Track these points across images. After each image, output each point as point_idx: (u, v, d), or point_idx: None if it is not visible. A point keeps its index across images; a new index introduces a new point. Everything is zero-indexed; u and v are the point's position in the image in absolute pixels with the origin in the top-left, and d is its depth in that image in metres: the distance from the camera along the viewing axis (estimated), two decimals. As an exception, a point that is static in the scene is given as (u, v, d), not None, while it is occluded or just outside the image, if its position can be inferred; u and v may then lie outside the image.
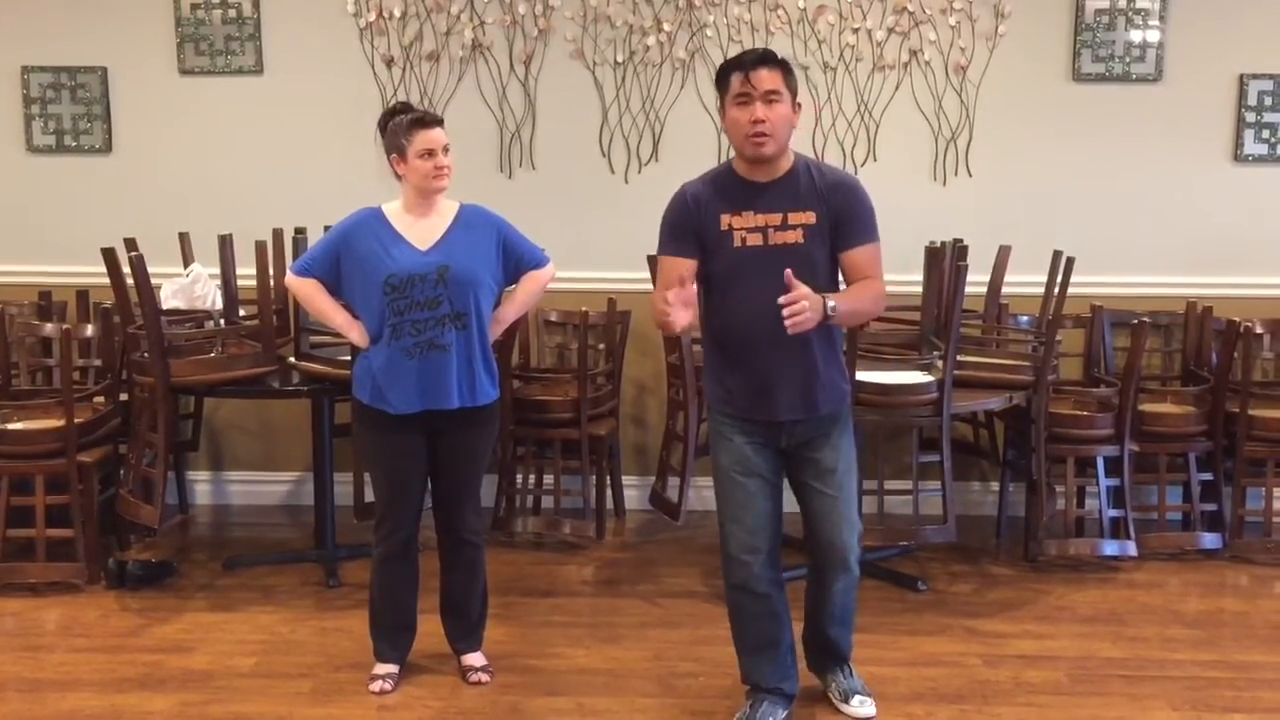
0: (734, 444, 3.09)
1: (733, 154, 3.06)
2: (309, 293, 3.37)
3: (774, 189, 2.97)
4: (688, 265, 2.99)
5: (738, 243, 2.96)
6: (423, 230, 3.31)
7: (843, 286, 3.06)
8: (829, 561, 3.17)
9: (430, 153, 3.26)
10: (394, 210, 3.34)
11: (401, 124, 3.29)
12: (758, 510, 3.09)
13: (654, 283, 3.16)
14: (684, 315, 2.84)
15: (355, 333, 3.35)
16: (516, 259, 3.42)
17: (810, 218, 2.96)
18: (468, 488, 3.43)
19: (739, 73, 2.92)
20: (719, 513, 3.15)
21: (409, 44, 4.97)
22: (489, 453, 3.52)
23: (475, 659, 3.51)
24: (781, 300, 2.75)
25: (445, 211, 3.36)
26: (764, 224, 2.96)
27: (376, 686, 3.41)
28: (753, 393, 3.04)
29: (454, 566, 3.49)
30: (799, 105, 2.99)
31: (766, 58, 2.93)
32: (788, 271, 2.79)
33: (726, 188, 3.01)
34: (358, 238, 3.29)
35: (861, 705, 3.29)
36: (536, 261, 3.45)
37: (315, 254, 3.37)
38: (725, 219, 2.98)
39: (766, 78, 2.90)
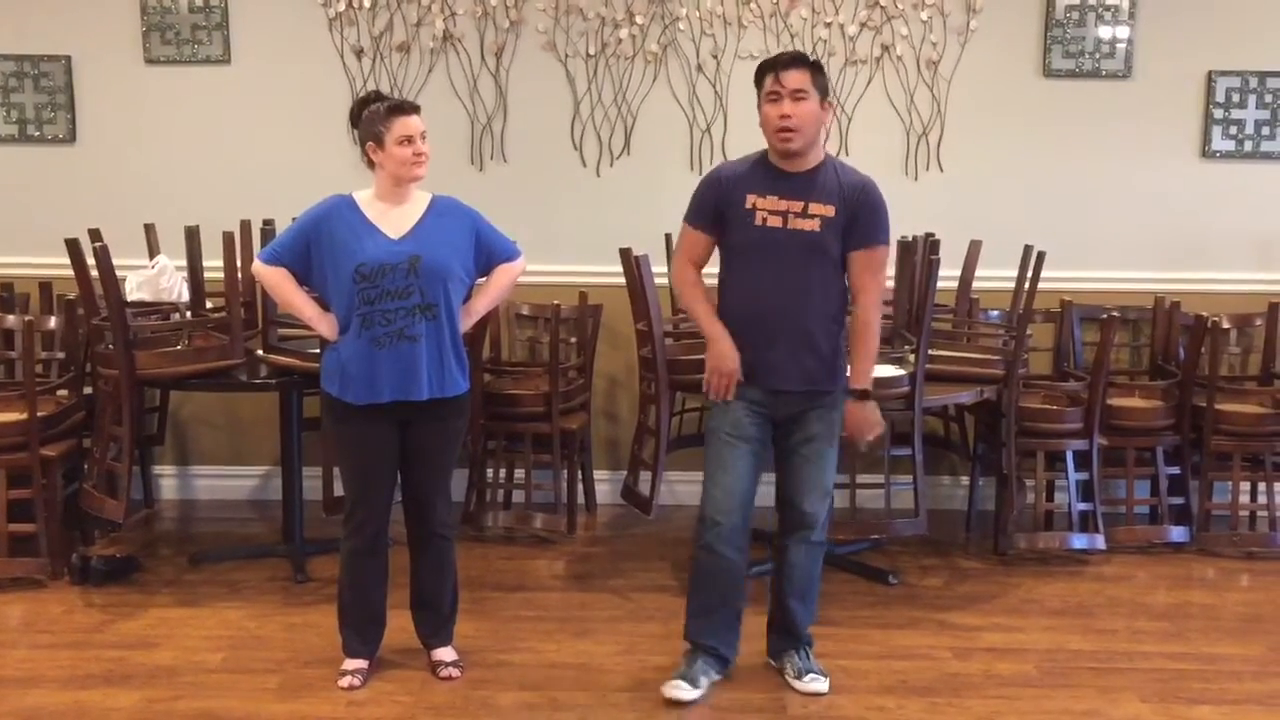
0: (730, 408, 3.28)
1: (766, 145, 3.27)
2: (277, 281, 3.31)
3: (800, 179, 3.20)
4: (706, 242, 3.30)
5: (759, 221, 3.20)
6: (395, 219, 3.27)
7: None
8: (793, 524, 3.36)
9: (409, 139, 3.22)
10: (366, 198, 3.30)
11: (379, 111, 3.25)
12: (738, 473, 3.26)
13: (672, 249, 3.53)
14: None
15: (324, 325, 3.31)
16: (489, 251, 3.39)
17: (830, 210, 3.18)
18: (438, 481, 3.40)
19: (771, 73, 3.17)
20: (704, 477, 3.32)
21: (379, 34, 4.93)
22: (459, 445, 3.49)
23: (446, 654, 3.49)
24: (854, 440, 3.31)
25: (418, 201, 3.33)
26: (786, 209, 3.19)
27: (345, 682, 3.38)
28: (755, 362, 3.24)
29: (424, 560, 3.46)
30: (829, 104, 3.21)
31: (796, 59, 3.17)
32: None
33: (758, 171, 3.25)
34: (328, 225, 3.25)
35: (813, 682, 3.38)
36: (508, 254, 3.44)
37: (284, 241, 3.31)
38: (751, 198, 3.21)
39: (795, 77, 3.12)
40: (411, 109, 3.28)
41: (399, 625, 3.52)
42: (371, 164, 3.29)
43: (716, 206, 3.26)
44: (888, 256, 3.27)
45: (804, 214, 3.17)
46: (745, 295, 3.25)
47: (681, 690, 3.29)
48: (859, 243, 3.20)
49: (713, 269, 3.37)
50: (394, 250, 3.22)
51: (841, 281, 3.27)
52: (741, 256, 3.25)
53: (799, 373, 3.23)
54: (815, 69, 3.17)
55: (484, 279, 3.45)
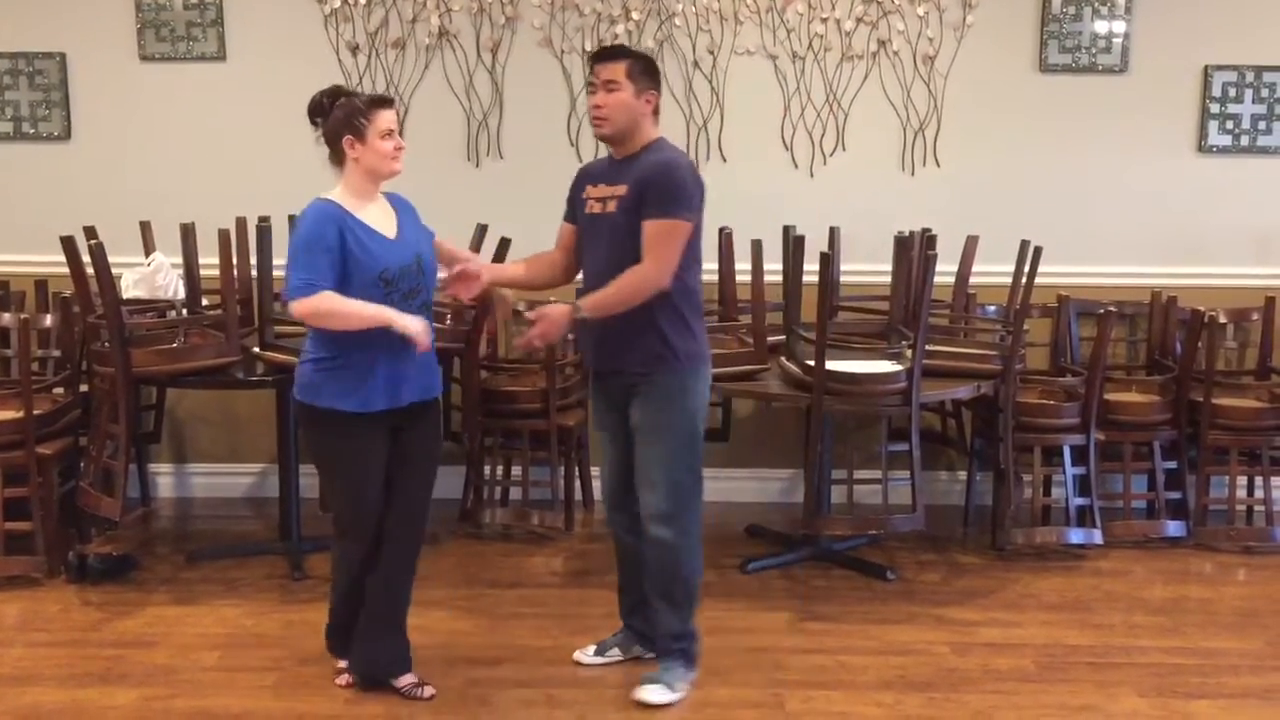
0: (591, 395, 3.50)
1: None
2: (334, 305, 3.03)
3: (621, 165, 3.30)
4: (566, 230, 3.47)
5: (588, 209, 3.35)
6: (380, 218, 3.19)
7: None
8: (641, 516, 3.35)
9: (391, 132, 3.15)
10: (344, 199, 3.16)
11: (358, 104, 3.13)
12: (608, 457, 3.44)
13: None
14: (459, 288, 3.32)
15: (416, 323, 3.09)
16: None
17: (623, 190, 3.25)
18: (432, 481, 3.34)
19: (589, 64, 3.32)
20: None
21: (374, 31, 4.92)
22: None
23: (413, 675, 3.36)
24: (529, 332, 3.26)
25: (382, 198, 3.23)
26: (604, 195, 3.30)
27: (343, 680, 3.36)
28: (583, 343, 3.46)
29: (403, 570, 3.32)
30: (650, 96, 3.26)
31: (607, 52, 3.31)
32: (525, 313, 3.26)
33: (600, 164, 3.43)
34: (343, 231, 3.08)
35: (654, 693, 3.30)
36: None
37: (313, 265, 3.02)
38: (587, 188, 3.37)
39: (606, 69, 3.24)
40: (391, 101, 3.21)
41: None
42: (340, 161, 3.16)
43: (571, 200, 3.44)
44: (671, 232, 3.17)
45: (612, 197, 3.26)
46: (583, 280, 3.39)
47: (583, 654, 3.55)
48: (643, 214, 3.18)
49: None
50: (402, 251, 3.16)
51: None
52: (581, 243, 3.40)
53: (608, 355, 3.30)
54: (634, 61, 3.24)
55: None
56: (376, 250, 3.12)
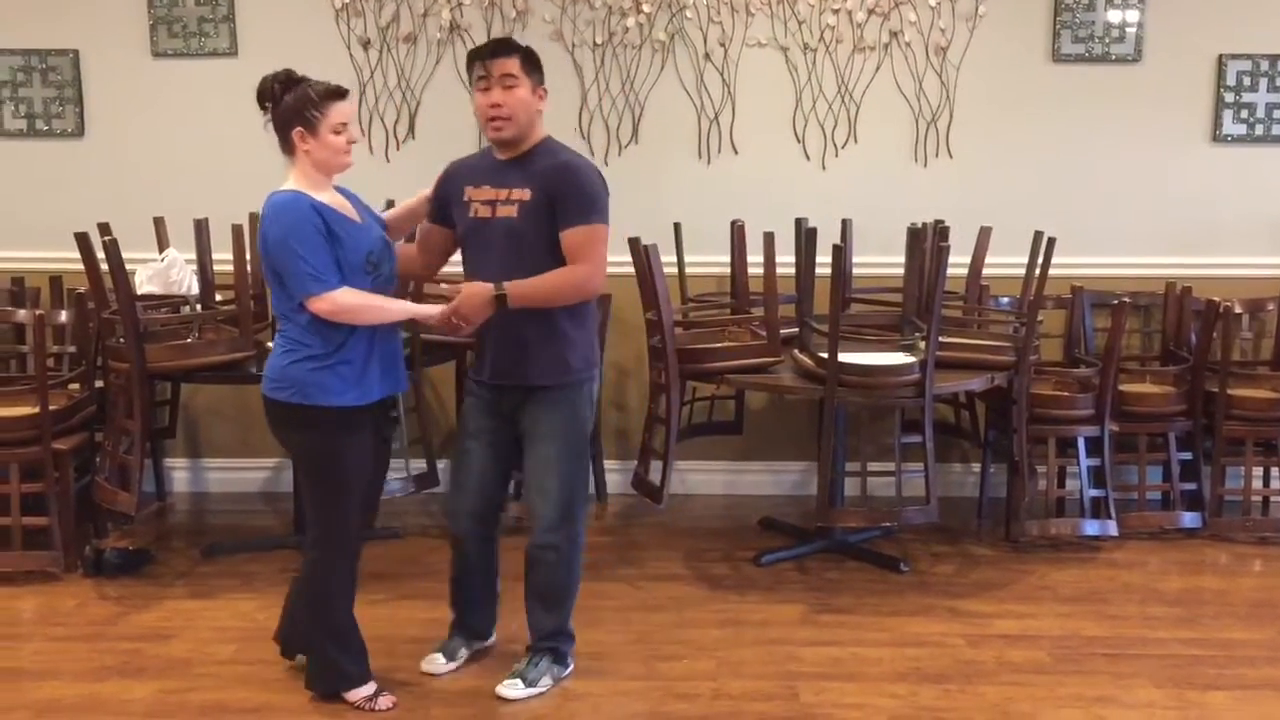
0: (468, 403, 3.34)
1: None
2: (356, 299, 2.97)
3: (510, 166, 3.16)
4: (434, 231, 3.30)
5: (472, 213, 3.18)
6: (340, 205, 3.08)
7: None
8: (533, 523, 3.29)
9: (345, 126, 2.99)
10: (304, 189, 3.02)
11: (311, 95, 2.96)
12: (475, 469, 3.30)
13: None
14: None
15: (427, 309, 3.14)
16: None
17: (525, 195, 3.11)
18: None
19: (479, 60, 3.13)
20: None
21: (385, 26, 4.92)
22: None
23: None
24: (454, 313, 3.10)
25: (331, 188, 3.12)
26: (494, 197, 3.15)
27: (387, 701, 3.25)
28: (478, 354, 3.29)
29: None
30: (543, 92, 3.18)
31: (502, 46, 3.15)
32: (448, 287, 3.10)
33: (479, 163, 3.25)
34: (324, 220, 2.98)
35: (510, 688, 3.27)
36: None
37: (316, 262, 2.93)
38: (468, 190, 3.19)
39: (502, 64, 3.09)
40: (347, 93, 3.04)
41: (406, 616, 3.52)
42: (291, 150, 3.01)
43: (441, 201, 3.25)
44: (597, 237, 3.12)
45: (507, 201, 3.12)
46: None
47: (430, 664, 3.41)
48: (560, 224, 3.09)
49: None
50: (375, 233, 3.10)
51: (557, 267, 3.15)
52: (464, 248, 3.23)
53: (512, 368, 3.18)
54: (525, 55, 3.12)
55: None
56: (356, 233, 3.04)
